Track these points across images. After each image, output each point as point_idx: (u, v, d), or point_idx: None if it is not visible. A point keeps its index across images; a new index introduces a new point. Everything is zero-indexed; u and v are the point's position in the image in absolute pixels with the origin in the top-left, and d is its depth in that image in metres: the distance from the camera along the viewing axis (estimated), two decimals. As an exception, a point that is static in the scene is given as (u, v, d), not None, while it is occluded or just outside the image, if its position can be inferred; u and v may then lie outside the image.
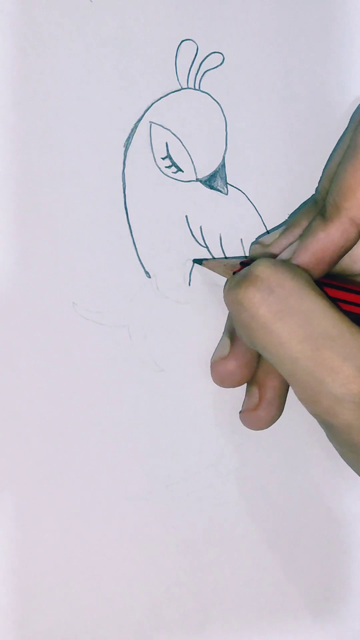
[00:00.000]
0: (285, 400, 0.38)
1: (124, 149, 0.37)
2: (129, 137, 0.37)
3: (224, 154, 0.39)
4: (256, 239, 0.39)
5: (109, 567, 0.38)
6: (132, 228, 0.38)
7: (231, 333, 0.38)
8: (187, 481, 0.39)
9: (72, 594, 0.37)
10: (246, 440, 0.40)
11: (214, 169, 0.39)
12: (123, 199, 0.37)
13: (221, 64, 0.39)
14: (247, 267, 0.34)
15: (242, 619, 0.40)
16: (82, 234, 0.37)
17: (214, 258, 0.39)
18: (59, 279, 0.37)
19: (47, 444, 0.37)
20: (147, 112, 0.38)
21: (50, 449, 0.37)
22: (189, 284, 0.39)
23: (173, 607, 0.39)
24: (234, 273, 0.37)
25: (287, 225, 0.38)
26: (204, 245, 0.39)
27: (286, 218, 0.40)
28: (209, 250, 0.39)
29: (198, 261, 0.38)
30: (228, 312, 0.39)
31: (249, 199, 0.39)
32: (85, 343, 0.37)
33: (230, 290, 0.34)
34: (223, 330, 0.39)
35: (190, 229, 0.38)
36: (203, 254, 0.39)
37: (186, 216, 0.38)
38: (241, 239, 0.39)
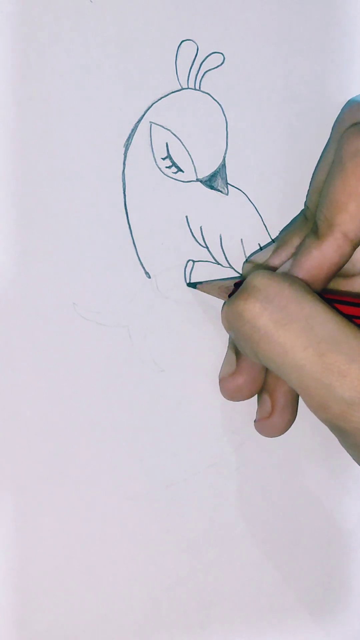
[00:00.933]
0: (297, 403, 0.38)
1: (124, 149, 0.37)
2: (129, 137, 0.37)
3: (225, 154, 0.39)
4: (247, 257, 0.39)
5: (109, 567, 0.38)
6: (132, 228, 0.38)
7: (236, 348, 0.38)
8: (187, 481, 0.39)
9: (72, 594, 0.37)
10: (246, 440, 0.40)
11: (214, 169, 0.39)
12: (123, 199, 0.37)
13: (221, 64, 0.39)
14: (244, 282, 0.34)
15: (242, 619, 0.40)
16: (82, 234, 0.37)
17: (208, 281, 0.38)
18: (59, 279, 0.37)
19: (47, 444, 0.37)
20: (148, 112, 0.38)
21: (50, 449, 0.37)
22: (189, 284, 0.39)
23: (173, 607, 0.39)
24: (230, 295, 0.37)
25: (279, 242, 0.38)
26: (204, 245, 0.39)
27: (286, 218, 0.40)
28: (209, 250, 0.39)
29: (192, 285, 0.38)
30: None
31: (249, 199, 0.39)
32: (86, 343, 0.37)
33: (229, 305, 0.34)
34: (227, 346, 0.39)
35: (191, 229, 0.38)
36: (203, 254, 0.39)
37: (186, 216, 0.38)
38: (241, 239, 0.39)
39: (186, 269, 0.38)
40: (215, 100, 0.39)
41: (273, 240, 0.39)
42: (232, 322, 0.34)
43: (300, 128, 0.40)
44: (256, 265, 0.38)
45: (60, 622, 0.37)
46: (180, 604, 0.39)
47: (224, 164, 0.39)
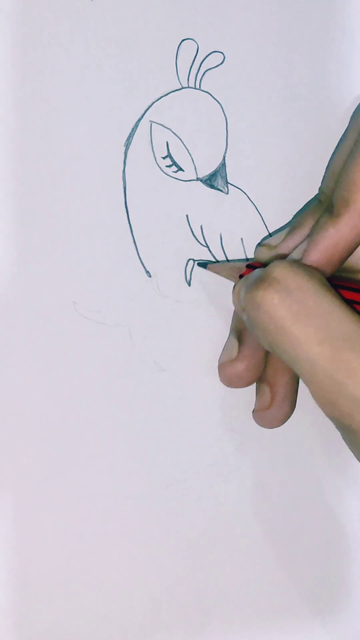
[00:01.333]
0: (296, 395, 0.38)
1: (124, 148, 0.37)
2: (129, 137, 0.37)
3: (225, 153, 0.39)
4: (261, 241, 0.39)
5: (109, 567, 0.38)
6: (132, 227, 0.38)
7: (238, 334, 0.38)
8: (187, 481, 0.39)
9: (72, 593, 0.37)
10: (246, 440, 0.40)
11: (214, 169, 0.39)
12: (123, 199, 0.37)
13: (222, 63, 0.39)
14: (263, 269, 0.34)
15: (242, 619, 0.40)
16: (82, 233, 0.37)
17: (218, 261, 0.39)
18: (59, 278, 0.37)
19: (47, 443, 0.37)
20: (148, 111, 0.38)
21: (50, 448, 0.37)
22: (189, 284, 0.39)
23: (173, 607, 0.39)
24: (241, 276, 0.37)
25: (293, 225, 0.38)
26: (205, 244, 0.39)
27: (287, 217, 0.40)
28: (209, 249, 0.39)
29: (203, 264, 0.38)
30: (234, 312, 0.39)
31: (249, 199, 0.39)
32: (86, 343, 0.37)
33: (248, 293, 0.34)
34: (229, 331, 0.39)
35: (191, 229, 0.38)
36: (203, 253, 0.39)
37: (187, 215, 0.38)
38: (241, 239, 0.39)
39: (187, 268, 0.38)
40: (216, 100, 0.39)
41: (286, 225, 0.39)
42: (249, 310, 0.34)
43: (300, 127, 0.40)
44: (269, 248, 0.38)
45: (60, 622, 0.37)
46: (180, 604, 0.39)
47: (224, 163, 0.39)
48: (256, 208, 0.39)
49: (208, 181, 0.39)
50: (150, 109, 0.38)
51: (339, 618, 0.41)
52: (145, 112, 0.38)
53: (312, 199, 0.39)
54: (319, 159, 0.40)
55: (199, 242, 0.39)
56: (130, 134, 0.37)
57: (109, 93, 0.37)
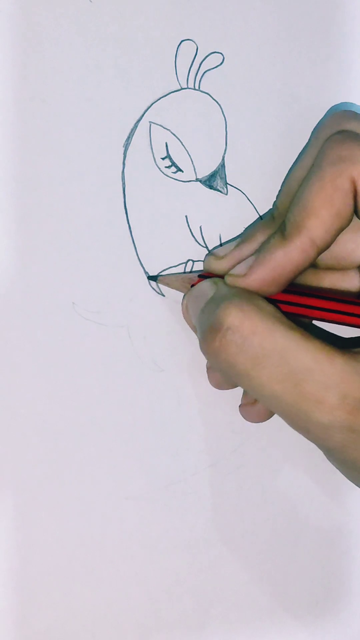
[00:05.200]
0: None
1: (123, 149, 0.37)
2: (128, 137, 0.37)
3: (224, 154, 0.39)
4: (210, 250, 0.39)
5: (108, 567, 0.38)
6: (131, 228, 0.38)
7: None
8: (187, 481, 0.39)
9: (72, 593, 0.37)
10: (246, 440, 0.40)
11: (213, 169, 0.39)
12: (123, 199, 0.37)
13: (221, 64, 0.39)
14: (215, 315, 0.33)
15: (242, 619, 0.40)
16: (82, 234, 0.37)
17: (170, 274, 0.38)
18: (59, 279, 0.37)
19: (47, 443, 0.37)
20: (147, 112, 0.38)
21: (50, 448, 0.37)
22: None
23: (173, 607, 0.39)
24: (192, 286, 0.37)
25: (242, 238, 0.37)
26: (204, 245, 0.39)
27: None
28: (208, 250, 0.39)
29: (153, 278, 0.38)
30: None
31: (248, 199, 0.39)
32: (85, 343, 0.37)
33: (203, 342, 0.34)
34: None
35: (190, 229, 0.38)
36: (203, 254, 0.39)
37: (186, 216, 0.38)
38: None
39: (186, 268, 0.38)
40: (215, 100, 0.39)
41: (238, 236, 0.39)
42: (207, 357, 0.34)
43: (299, 128, 0.40)
44: (217, 258, 0.37)
45: (60, 622, 0.37)
46: (180, 604, 0.39)
47: (223, 163, 0.39)
48: (255, 209, 0.39)
49: (207, 182, 0.39)
50: (149, 109, 0.38)
51: (339, 618, 0.41)
52: (144, 112, 0.38)
53: (266, 212, 0.39)
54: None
55: (198, 242, 0.39)
56: (129, 134, 0.37)
57: (108, 94, 0.37)
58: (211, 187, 0.39)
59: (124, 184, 0.37)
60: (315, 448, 0.40)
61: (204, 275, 0.37)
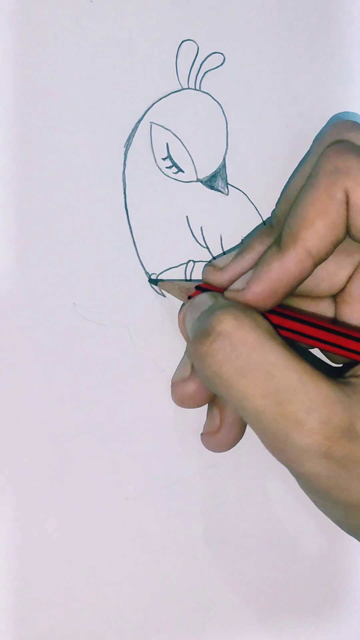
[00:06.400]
0: (246, 423, 0.37)
1: (124, 149, 0.37)
2: (129, 138, 0.37)
3: (225, 154, 0.39)
4: (209, 260, 0.39)
5: (109, 567, 0.38)
6: (132, 229, 0.38)
7: None
8: (187, 481, 0.39)
9: (72, 594, 0.37)
10: (246, 441, 0.40)
11: (214, 170, 0.39)
12: (123, 200, 0.37)
13: (222, 64, 0.39)
14: (209, 320, 0.33)
15: (242, 619, 0.40)
16: (82, 234, 0.37)
17: (170, 280, 0.38)
18: (60, 279, 0.37)
19: (47, 444, 0.37)
20: (148, 112, 0.38)
21: (50, 449, 0.37)
22: (190, 285, 0.39)
23: (173, 607, 0.39)
24: (189, 297, 0.37)
25: (241, 249, 0.37)
26: (205, 245, 0.39)
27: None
28: (209, 250, 0.39)
29: (154, 281, 0.38)
30: None
31: (249, 200, 0.39)
32: (86, 343, 0.37)
33: (192, 345, 0.33)
34: (185, 351, 0.38)
35: (191, 230, 0.38)
36: (204, 254, 0.39)
37: (187, 217, 0.38)
38: (242, 240, 0.39)
39: (187, 269, 0.38)
40: (216, 101, 0.39)
41: (237, 246, 0.39)
42: (193, 360, 0.34)
43: (300, 128, 0.40)
44: (216, 269, 0.37)
45: (60, 622, 0.37)
46: (180, 604, 0.39)
47: (224, 164, 0.39)
48: (256, 209, 0.39)
49: (208, 182, 0.39)
50: (150, 110, 0.38)
51: (339, 618, 0.41)
52: (145, 113, 0.38)
53: (266, 219, 0.39)
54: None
55: (199, 243, 0.39)
56: (130, 135, 0.37)
57: (109, 94, 0.37)
58: (212, 188, 0.39)
59: (124, 184, 0.37)
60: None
61: (201, 287, 0.37)
